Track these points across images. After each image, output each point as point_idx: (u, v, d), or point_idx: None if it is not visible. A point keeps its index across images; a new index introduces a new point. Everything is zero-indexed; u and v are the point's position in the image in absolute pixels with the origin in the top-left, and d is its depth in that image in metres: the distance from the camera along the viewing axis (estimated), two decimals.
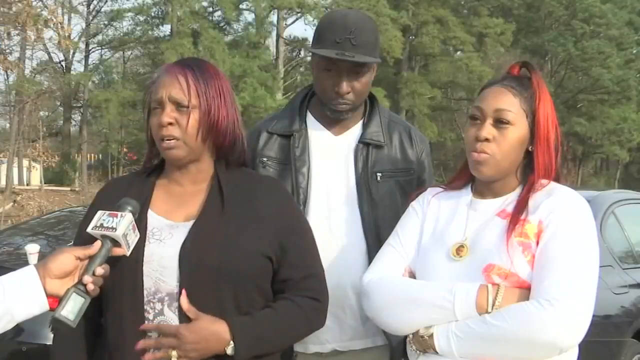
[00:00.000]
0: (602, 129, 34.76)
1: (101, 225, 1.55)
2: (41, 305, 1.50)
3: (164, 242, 1.67)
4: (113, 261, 1.58)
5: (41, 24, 19.40)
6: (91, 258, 1.53)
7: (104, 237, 1.55)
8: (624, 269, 4.39)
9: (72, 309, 1.48)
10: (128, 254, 1.58)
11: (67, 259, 1.51)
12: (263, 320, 1.67)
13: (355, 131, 2.19)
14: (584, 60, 34.60)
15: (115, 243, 1.56)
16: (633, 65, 35.90)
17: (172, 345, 1.57)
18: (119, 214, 1.56)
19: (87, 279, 1.50)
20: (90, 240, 1.57)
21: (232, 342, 1.60)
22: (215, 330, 1.60)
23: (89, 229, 1.56)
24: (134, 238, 1.59)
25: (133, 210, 1.59)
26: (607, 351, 4.08)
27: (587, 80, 35.97)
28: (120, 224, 1.55)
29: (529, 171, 1.73)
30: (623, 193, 5.34)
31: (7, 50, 20.98)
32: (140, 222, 1.68)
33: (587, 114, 35.38)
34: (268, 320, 1.67)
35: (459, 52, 35.05)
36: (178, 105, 1.67)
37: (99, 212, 1.58)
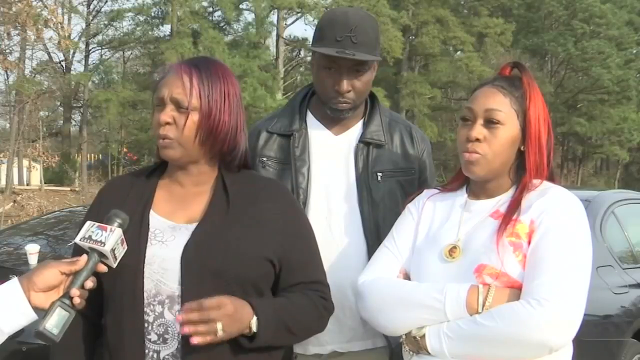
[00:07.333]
0: (602, 129, 34.74)
1: (90, 238, 1.52)
2: (28, 316, 1.49)
3: (166, 244, 1.65)
4: None
5: (41, 24, 19.44)
6: (78, 271, 1.51)
7: (91, 249, 1.52)
8: (624, 269, 4.37)
9: (56, 323, 1.45)
10: (114, 266, 1.55)
11: (52, 274, 1.49)
12: (278, 302, 1.67)
13: (355, 130, 2.18)
14: (584, 60, 34.59)
15: (102, 255, 1.53)
16: (633, 65, 35.88)
17: (217, 317, 1.50)
18: (109, 227, 1.53)
19: (75, 292, 1.47)
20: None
21: (255, 316, 1.57)
22: (242, 303, 1.57)
23: (77, 240, 1.53)
24: (121, 251, 1.56)
25: (122, 224, 1.56)
26: (607, 351, 4.07)
27: (587, 80, 35.94)
28: (109, 238, 1.52)
29: (522, 171, 1.73)
30: (623, 193, 5.32)
31: (7, 50, 21.02)
32: (142, 223, 1.67)
33: (587, 114, 35.35)
34: (283, 303, 1.66)
35: (459, 52, 35.03)
36: (178, 106, 1.65)
37: (88, 223, 1.55)
